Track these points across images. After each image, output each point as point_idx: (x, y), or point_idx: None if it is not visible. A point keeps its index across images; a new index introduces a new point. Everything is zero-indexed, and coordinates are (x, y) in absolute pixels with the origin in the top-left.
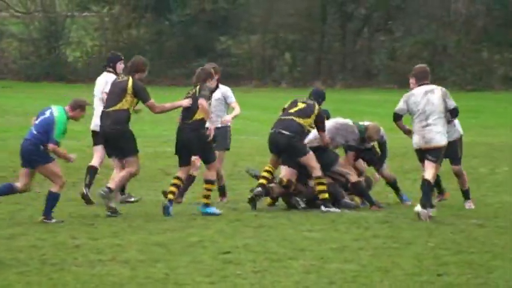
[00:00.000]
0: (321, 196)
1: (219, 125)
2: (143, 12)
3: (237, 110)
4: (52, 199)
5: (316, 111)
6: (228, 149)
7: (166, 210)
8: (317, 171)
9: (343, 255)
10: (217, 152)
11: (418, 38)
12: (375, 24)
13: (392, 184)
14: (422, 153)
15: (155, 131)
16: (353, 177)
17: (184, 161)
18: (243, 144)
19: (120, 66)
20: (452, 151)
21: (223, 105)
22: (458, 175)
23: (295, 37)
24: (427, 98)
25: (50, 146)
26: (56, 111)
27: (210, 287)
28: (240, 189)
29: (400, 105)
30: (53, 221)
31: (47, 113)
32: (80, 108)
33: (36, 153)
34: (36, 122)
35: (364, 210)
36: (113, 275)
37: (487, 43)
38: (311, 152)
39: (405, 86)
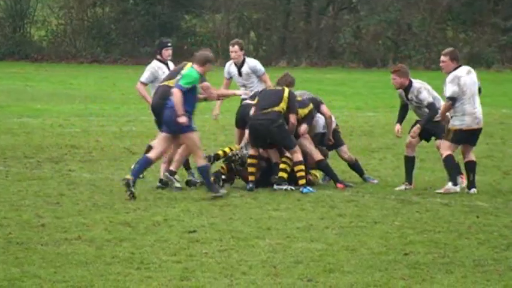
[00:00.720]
0: (280, 174)
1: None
2: None
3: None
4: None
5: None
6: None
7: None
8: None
9: (309, 234)
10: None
11: (383, 17)
12: (340, 2)
13: (353, 166)
14: (471, 135)
15: (121, 110)
16: (317, 156)
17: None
18: (205, 124)
19: (166, 52)
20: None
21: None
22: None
23: (260, 16)
24: (470, 77)
25: (173, 89)
26: (185, 70)
27: (177, 266)
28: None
29: (454, 89)
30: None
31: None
32: (209, 63)
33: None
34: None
35: (330, 189)
36: (79, 253)
37: (452, 22)
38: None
39: (370, 65)
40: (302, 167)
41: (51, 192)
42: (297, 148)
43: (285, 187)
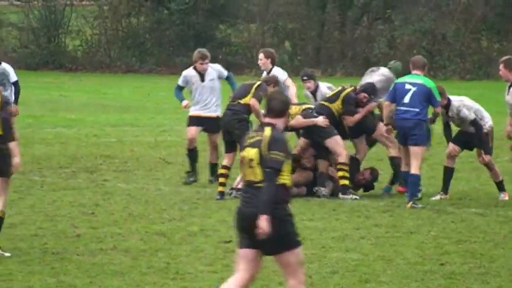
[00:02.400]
0: (342, 182)
1: None
2: (143, 0)
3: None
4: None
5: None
6: None
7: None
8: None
9: (344, 244)
10: None
11: (417, 27)
12: (374, 12)
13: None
14: None
15: (155, 119)
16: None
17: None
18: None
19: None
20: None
21: None
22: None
23: (295, 26)
24: None
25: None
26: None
27: (212, 276)
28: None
29: None
30: (419, 205)
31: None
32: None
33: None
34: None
35: (365, 199)
36: (115, 264)
37: (486, 32)
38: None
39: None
40: None
41: (86, 202)
42: None
43: (349, 196)
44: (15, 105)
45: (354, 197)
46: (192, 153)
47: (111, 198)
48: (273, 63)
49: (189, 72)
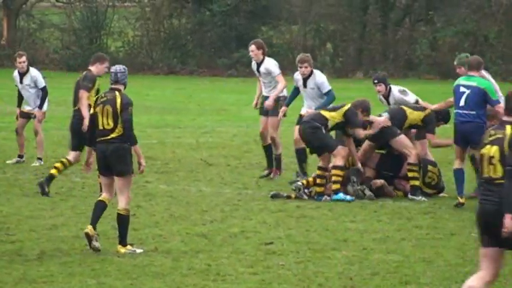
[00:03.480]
0: (412, 183)
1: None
2: (184, 2)
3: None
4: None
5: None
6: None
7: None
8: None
9: (385, 245)
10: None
11: (459, 28)
12: (416, 14)
13: None
14: None
15: (197, 121)
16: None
17: None
18: (285, 134)
19: None
20: None
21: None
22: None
23: (336, 27)
24: None
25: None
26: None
27: (253, 278)
28: (282, 179)
29: None
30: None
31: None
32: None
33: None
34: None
35: (406, 200)
36: (155, 265)
37: None
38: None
39: (446, 77)
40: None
41: None
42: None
43: (419, 198)
44: (39, 110)
45: (423, 198)
46: (300, 153)
47: (153, 200)
48: (264, 54)
49: (296, 76)
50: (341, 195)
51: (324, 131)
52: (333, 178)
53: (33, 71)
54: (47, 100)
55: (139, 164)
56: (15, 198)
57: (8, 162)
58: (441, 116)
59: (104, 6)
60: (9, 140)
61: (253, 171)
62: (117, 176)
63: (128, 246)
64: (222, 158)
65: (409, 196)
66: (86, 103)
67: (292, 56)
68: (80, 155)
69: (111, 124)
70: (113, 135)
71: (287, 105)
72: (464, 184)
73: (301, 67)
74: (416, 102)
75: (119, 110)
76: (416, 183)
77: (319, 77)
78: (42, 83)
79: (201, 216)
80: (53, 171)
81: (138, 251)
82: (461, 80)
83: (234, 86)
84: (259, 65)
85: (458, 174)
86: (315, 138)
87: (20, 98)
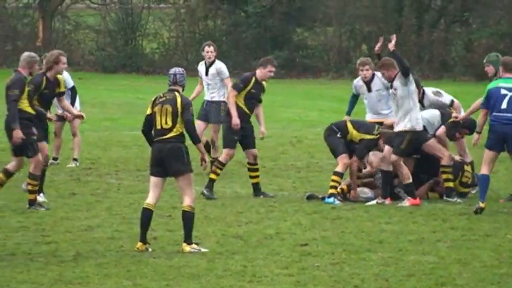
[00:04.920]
0: (446, 184)
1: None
2: (219, 3)
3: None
4: None
5: None
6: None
7: None
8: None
9: (421, 247)
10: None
11: (494, 30)
12: (452, 15)
13: None
14: None
15: None
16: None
17: None
18: (319, 136)
19: None
20: None
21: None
22: None
23: (371, 29)
24: None
25: None
26: None
27: (289, 279)
28: (318, 181)
29: None
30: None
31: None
32: None
33: None
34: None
35: (442, 202)
36: (191, 266)
37: None
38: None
39: (482, 79)
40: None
41: (163, 205)
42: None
43: (454, 199)
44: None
45: (458, 200)
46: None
47: None
48: (216, 56)
49: (357, 82)
50: (331, 199)
51: (338, 136)
52: (330, 183)
53: (64, 73)
54: (78, 101)
55: (203, 160)
56: (50, 200)
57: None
58: (467, 124)
59: (139, 8)
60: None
61: (289, 172)
62: (176, 176)
63: (193, 245)
64: (258, 159)
65: (444, 198)
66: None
67: (327, 58)
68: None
69: (170, 123)
70: (170, 135)
71: (349, 114)
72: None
73: (362, 70)
74: (452, 103)
75: (179, 110)
76: (451, 184)
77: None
78: (71, 83)
79: (237, 218)
80: None
81: (203, 250)
82: (500, 83)
83: (269, 87)
84: (209, 65)
85: (485, 180)
86: (328, 140)
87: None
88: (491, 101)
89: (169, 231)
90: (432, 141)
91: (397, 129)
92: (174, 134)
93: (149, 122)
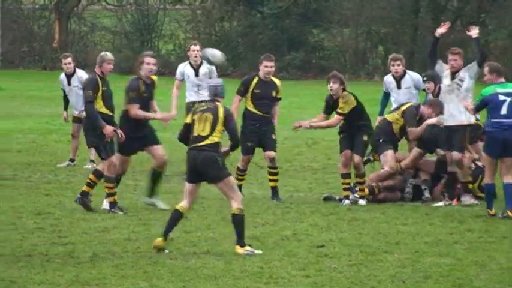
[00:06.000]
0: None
1: None
2: (236, 4)
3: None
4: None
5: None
6: None
7: None
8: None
9: (438, 249)
10: None
11: (511, 31)
12: (468, 17)
13: None
14: None
15: None
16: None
17: None
18: (336, 137)
19: None
20: None
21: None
22: None
23: (388, 30)
24: None
25: None
26: None
27: (306, 280)
28: (335, 182)
29: None
30: None
31: None
32: None
33: None
34: None
35: (458, 204)
36: (208, 268)
37: None
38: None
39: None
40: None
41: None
42: None
43: (471, 201)
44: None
45: (476, 202)
46: None
47: (205, 203)
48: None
49: (387, 79)
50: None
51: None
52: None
53: (80, 72)
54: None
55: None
56: (67, 201)
57: (58, 165)
58: (482, 131)
59: (155, 9)
60: (61, 143)
61: (305, 173)
62: (214, 183)
63: (247, 247)
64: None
65: (462, 199)
66: None
67: (344, 59)
68: None
69: (207, 131)
70: (205, 143)
71: (381, 114)
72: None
73: (393, 65)
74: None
75: (220, 120)
76: (469, 186)
77: (415, 74)
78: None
79: (253, 219)
80: None
81: (257, 252)
82: (497, 88)
83: (285, 89)
84: (199, 66)
85: (489, 189)
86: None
87: (66, 101)
88: (489, 108)
89: (186, 233)
90: None
91: (454, 123)
92: (210, 142)
93: (187, 130)
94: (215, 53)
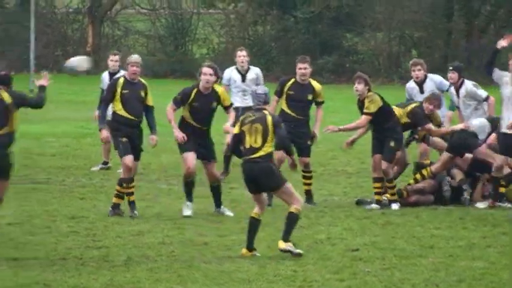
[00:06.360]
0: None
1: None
2: (269, 9)
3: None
4: None
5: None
6: None
7: None
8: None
9: (471, 252)
10: None
11: None
12: (501, 21)
13: None
14: None
15: None
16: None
17: None
18: (369, 141)
19: None
20: None
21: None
22: None
23: (421, 34)
24: None
25: None
26: None
27: (340, 284)
28: (368, 186)
29: None
30: None
31: None
32: None
33: None
34: None
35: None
36: (242, 271)
37: None
38: None
39: None
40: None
41: (214, 211)
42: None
43: (504, 204)
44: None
45: (509, 205)
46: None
47: (238, 206)
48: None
49: (409, 85)
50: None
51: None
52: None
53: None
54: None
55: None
56: (101, 205)
57: (92, 169)
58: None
59: (189, 13)
60: (95, 146)
61: (339, 178)
62: (273, 192)
63: (289, 243)
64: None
65: (496, 204)
66: None
67: (378, 63)
68: None
69: (259, 142)
70: (259, 154)
71: None
72: None
73: (414, 70)
74: (487, 98)
75: (269, 129)
76: (502, 190)
77: (436, 76)
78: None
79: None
80: None
81: (297, 251)
82: None
83: None
84: (246, 71)
85: None
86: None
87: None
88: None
89: (220, 237)
90: (483, 148)
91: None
92: (263, 153)
93: (237, 141)
94: (78, 63)
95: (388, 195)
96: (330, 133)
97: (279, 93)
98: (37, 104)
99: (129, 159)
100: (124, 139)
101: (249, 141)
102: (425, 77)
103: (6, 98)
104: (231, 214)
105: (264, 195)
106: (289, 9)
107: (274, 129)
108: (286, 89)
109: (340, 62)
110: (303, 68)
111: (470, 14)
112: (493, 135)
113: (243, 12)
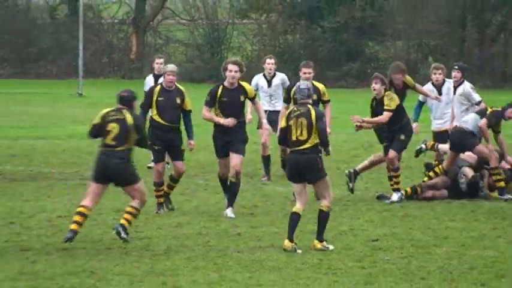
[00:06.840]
0: (497, 184)
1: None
2: (298, 19)
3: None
4: None
5: None
6: None
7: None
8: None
9: (482, 242)
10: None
11: None
12: (511, 30)
13: None
14: None
15: None
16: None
17: None
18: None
19: None
20: None
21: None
22: None
23: (437, 42)
24: None
25: None
26: None
27: (361, 272)
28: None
29: None
30: None
31: None
32: None
33: None
34: None
35: (502, 201)
36: (272, 260)
37: None
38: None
39: None
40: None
41: (246, 204)
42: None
43: (506, 197)
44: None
45: (511, 197)
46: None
47: (269, 200)
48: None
49: (427, 87)
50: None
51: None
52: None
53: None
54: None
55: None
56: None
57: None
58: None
59: (225, 23)
60: None
61: (361, 174)
62: (313, 183)
63: (324, 243)
64: (333, 162)
65: (499, 197)
66: None
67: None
68: None
69: (305, 135)
70: (306, 146)
71: (416, 121)
72: None
73: (435, 73)
74: (479, 102)
75: (314, 122)
76: (502, 184)
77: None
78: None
79: (313, 216)
80: None
81: (331, 247)
82: None
83: (343, 96)
84: (272, 78)
85: None
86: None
87: None
88: None
89: (252, 228)
90: (480, 146)
91: None
92: (310, 145)
93: (284, 134)
94: None
95: (392, 183)
96: (354, 122)
97: (287, 100)
98: (141, 144)
99: (160, 166)
100: (157, 147)
101: (295, 134)
102: (444, 81)
103: (129, 119)
104: (233, 216)
105: (306, 188)
106: (316, 20)
107: (316, 122)
108: (291, 93)
109: (362, 69)
110: (308, 73)
111: (482, 24)
112: (484, 119)
113: (274, 22)
